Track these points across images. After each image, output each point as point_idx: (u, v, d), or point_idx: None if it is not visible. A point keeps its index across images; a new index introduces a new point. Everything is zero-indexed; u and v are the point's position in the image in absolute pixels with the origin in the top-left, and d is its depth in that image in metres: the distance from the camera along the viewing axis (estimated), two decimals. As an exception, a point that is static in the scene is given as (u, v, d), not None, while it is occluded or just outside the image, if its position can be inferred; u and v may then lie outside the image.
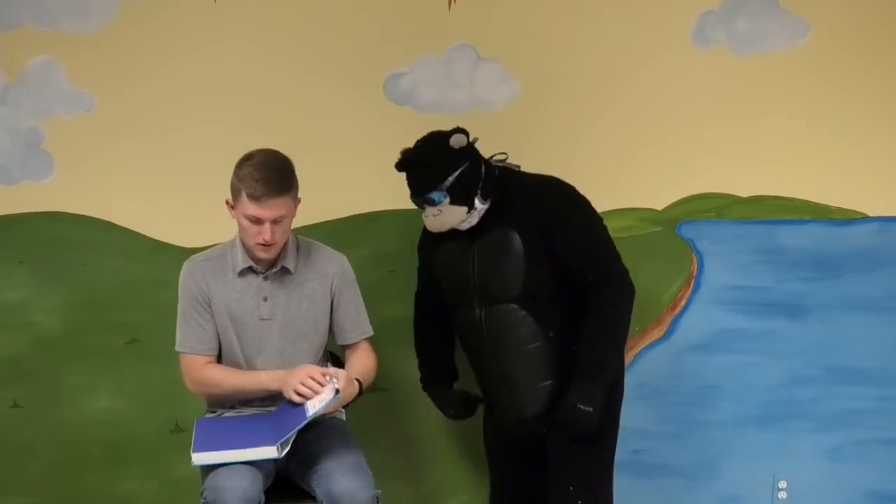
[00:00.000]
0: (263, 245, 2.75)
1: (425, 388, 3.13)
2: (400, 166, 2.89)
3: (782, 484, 3.51)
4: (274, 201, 2.71)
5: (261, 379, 2.82)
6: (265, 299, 2.85)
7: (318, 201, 3.27)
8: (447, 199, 2.81)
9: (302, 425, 2.66)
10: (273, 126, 3.26)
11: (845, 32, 3.33)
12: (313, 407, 2.67)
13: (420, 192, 2.84)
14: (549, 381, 2.90)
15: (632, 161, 3.38)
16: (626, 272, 2.89)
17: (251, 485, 2.63)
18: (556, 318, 2.88)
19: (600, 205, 3.35)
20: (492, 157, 2.95)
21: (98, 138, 3.25)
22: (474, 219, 2.86)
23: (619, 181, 3.38)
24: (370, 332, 2.99)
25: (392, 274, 3.34)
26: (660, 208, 3.41)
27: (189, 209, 3.29)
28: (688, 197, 3.41)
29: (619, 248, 3.33)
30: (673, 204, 3.41)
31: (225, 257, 2.89)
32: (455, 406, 3.08)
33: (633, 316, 3.22)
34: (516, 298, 2.87)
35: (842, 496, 3.53)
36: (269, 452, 2.66)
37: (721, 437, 3.50)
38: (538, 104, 3.34)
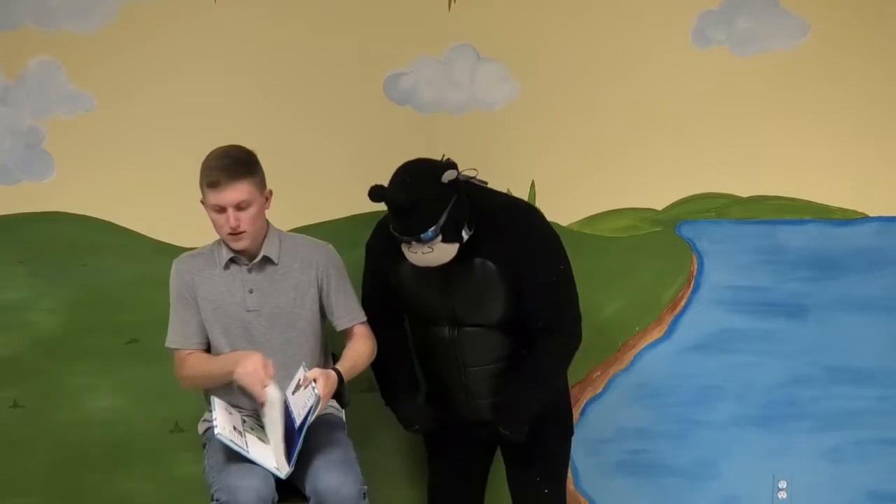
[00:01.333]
0: (233, 234, 2.78)
1: (388, 403, 3.05)
2: (391, 207, 2.71)
3: (782, 484, 3.51)
4: (231, 186, 2.74)
5: (222, 363, 2.82)
6: (251, 291, 2.87)
7: (318, 201, 3.28)
8: (439, 238, 2.68)
9: (300, 442, 2.67)
10: (273, 125, 3.27)
11: (845, 32, 3.33)
12: (300, 416, 2.68)
13: (411, 234, 2.68)
14: None
15: (632, 161, 3.38)
16: (576, 322, 2.88)
17: (264, 484, 2.65)
18: (530, 337, 2.87)
19: (600, 205, 3.38)
20: (461, 171, 2.81)
21: (98, 138, 3.25)
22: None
23: (620, 181, 3.38)
24: (363, 318, 2.98)
25: (392, 274, 3.34)
26: (660, 208, 3.41)
27: (189, 209, 3.27)
28: (688, 197, 3.41)
29: (618, 248, 3.35)
30: (673, 204, 3.41)
31: (212, 253, 2.92)
32: (422, 421, 3.02)
33: (632, 317, 3.25)
34: (495, 324, 2.87)
35: (842, 496, 3.53)
36: (282, 469, 2.68)
37: (721, 437, 3.50)
38: (538, 104, 3.33)
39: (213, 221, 2.81)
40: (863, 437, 3.51)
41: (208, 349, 2.95)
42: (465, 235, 2.74)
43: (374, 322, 3.00)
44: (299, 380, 2.74)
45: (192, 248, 3.21)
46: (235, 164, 2.77)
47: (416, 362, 3.08)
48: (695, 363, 3.47)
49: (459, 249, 2.75)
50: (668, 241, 3.42)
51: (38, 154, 3.25)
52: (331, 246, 2.97)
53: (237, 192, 2.75)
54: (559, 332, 2.86)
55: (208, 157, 2.81)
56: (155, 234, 3.31)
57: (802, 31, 3.33)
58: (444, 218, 2.66)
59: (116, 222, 3.30)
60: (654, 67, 3.34)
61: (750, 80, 3.35)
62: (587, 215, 3.38)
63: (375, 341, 2.96)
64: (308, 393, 2.68)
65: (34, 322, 3.31)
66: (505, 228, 2.80)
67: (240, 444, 2.69)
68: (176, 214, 3.29)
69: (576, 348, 2.91)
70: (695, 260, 3.43)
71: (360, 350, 2.92)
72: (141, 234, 3.31)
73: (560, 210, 3.37)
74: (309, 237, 2.99)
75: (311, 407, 2.65)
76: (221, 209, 2.76)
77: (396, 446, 3.40)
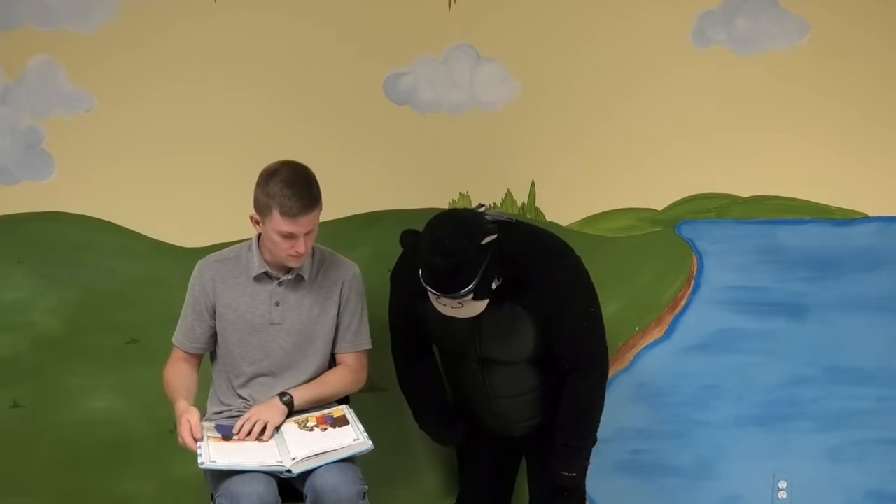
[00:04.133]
0: (295, 257, 2.77)
1: (422, 427, 3.12)
2: (425, 266, 2.64)
3: (782, 484, 3.51)
4: (308, 216, 2.71)
5: (176, 403, 2.81)
6: (277, 304, 2.87)
7: (318, 201, 3.28)
8: (471, 296, 2.66)
9: (321, 464, 2.70)
10: (273, 126, 3.27)
11: (845, 33, 3.33)
12: (337, 455, 2.73)
13: (443, 292, 2.65)
14: (541, 418, 2.98)
15: (632, 161, 3.38)
16: (603, 361, 2.90)
17: (266, 488, 2.64)
18: (559, 370, 2.89)
19: (600, 205, 3.37)
20: (483, 209, 2.81)
21: (98, 138, 3.25)
22: None
23: (619, 181, 3.38)
24: (365, 346, 3.00)
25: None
26: (660, 208, 3.41)
27: (189, 209, 3.29)
28: (688, 197, 3.41)
29: (618, 248, 3.35)
30: (673, 204, 3.41)
31: (240, 259, 2.90)
32: (457, 438, 3.12)
33: (632, 317, 3.25)
34: (524, 361, 2.89)
35: (842, 496, 3.53)
36: (285, 462, 2.68)
37: (721, 437, 3.50)
38: (538, 104, 3.33)
39: (274, 243, 2.75)
40: (863, 437, 3.50)
41: (214, 350, 2.97)
42: (494, 286, 2.70)
43: (402, 351, 3.05)
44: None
45: (192, 248, 3.24)
46: (311, 192, 2.72)
47: (447, 384, 3.11)
48: (695, 363, 3.47)
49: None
50: (668, 241, 3.42)
51: (38, 154, 3.25)
52: (357, 269, 2.99)
53: (311, 220, 2.73)
54: (588, 374, 2.87)
55: (277, 180, 2.70)
56: (155, 234, 3.31)
57: (802, 32, 3.33)
58: (477, 280, 2.63)
59: (116, 222, 3.30)
60: (654, 67, 3.34)
61: (750, 80, 3.34)
62: (587, 215, 3.38)
63: (364, 375, 2.99)
64: (364, 441, 2.75)
65: (34, 322, 3.31)
66: (533, 273, 2.78)
67: (229, 457, 2.67)
68: (176, 214, 3.29)
69: (602, 384, 2.92)
70: (695, 260, 3.43)
71: (338, 381, 2.94)
72: (141, 234, 3.31)
73: (560, 210, 3.38)
74: (339, 255, 2.99)
75: (357, 451, 2.73)
76: (291, 235, 2.72)
77: (396, 446, 3.40)
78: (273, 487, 2.67)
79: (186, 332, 2.93)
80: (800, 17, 3.32)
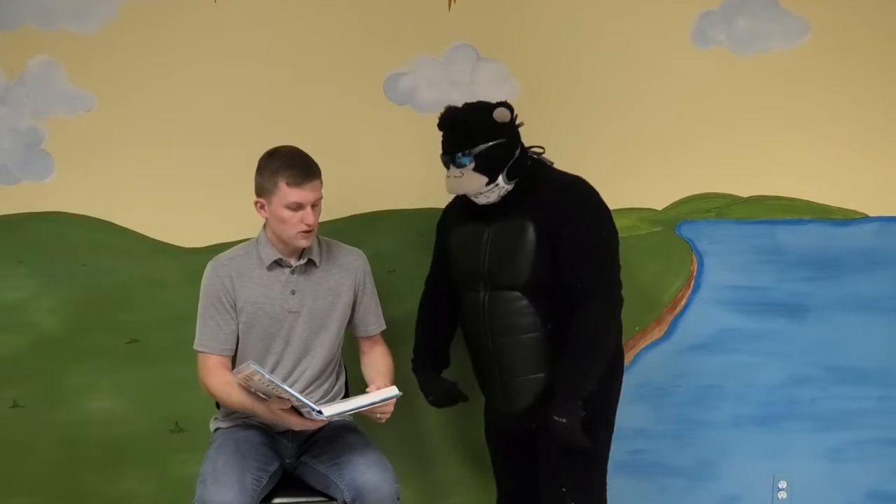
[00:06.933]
0: (306, 231, 2.81)
1: (414, 369, 3.12)
2: (440, 121, 2.89)
3: (782, 484, 3.51)
4: (313, 183, 2.80)
5: (255, 408, 2.79)
6: (293, 292, 2.89)
7: (318, 201, 3.27)
8: (472, 165, 2.81)
9: (353, 410, 2.75)
10: (273, 126, 3.26)
11: (845, 32, 3.33)
12: (368, 400, 2.76)
13: (449, 151, 2.85)
14: (541, 374, 2.88)
15: (632, 161, 3.38)
16: (614, 288, 2.84)
17: (238, 496, 2.65)
18: (558, 312, 2.84)
19: (600, 205, 3.37)
20: (530, 147, 2.94)
21: (98, 138, 3.26)
22: (493, 195, 2.85)
23: (620, 181, 3.38)
24: (384, 325, 3.07)
25: (392, 274, 3.34)
26: (660, 208, 3.41)
27: (189, 209, 3.29)
28: (688, 197, 3.41)
29: (619, 249, 3.34)
30: (673, 204, 3.41)
31: (250, 255, 2.91)
32: (436, 393, 3.07)
33: (632, 317, 3.23)
34: (521, 287, 2.86)
35: (842, 496, 3.53)
36: (324, 411, 2.70)
37: (721, 437, 3.50)
38: (538, 104, 3.33)
39: (284, 220, 2.80)
40: (863, 437, 3.51)
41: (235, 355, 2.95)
42: (501, 181, 2.83)
43: (431, 295, 3.13)
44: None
45: (192, 248, 3.25)
46: (311, 162, 2.83)
47: (465, 343, 3.08)
48: (695, 363, 3.47)
49: (504, 207, 2.86)
50: (668, 241, 3.42)
51: (38, 154, 3.25)
52: (364, 254, 3.03)
53: (316, 189, 2.82)
54: (594, 300, 2.80)
55: (277, 157, 2.81)
56: (155, 234, 3.31)
57: (802, 31, 3.34)
58: (481, 148, 2.80)
59: (116, 222, 3.30)
60: (654, 67, 3.34)
61: (750, 80, 3.35)
62: (587, 215, 3.37)
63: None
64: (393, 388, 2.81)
65: (34, 322, 3.31)
66: (550, 191, 2.87)
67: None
68: (176, 214, 3.29)
69: (616, 312, 2.84)
70: (695, 260, 3.43)
71: (391, 364, 3.02)
72: (141, 234, 3.31)
73: (560, 210, 3.37)
74: (343, 244, 3.03)
75: (389, 396, 2.77)
76: (299, 206, 2.79)
77: (399, 445, 3.41)
78: (246, 495, 2.68)
79: (214, 335, 2.88)
80: (800, 17, 3.33)
